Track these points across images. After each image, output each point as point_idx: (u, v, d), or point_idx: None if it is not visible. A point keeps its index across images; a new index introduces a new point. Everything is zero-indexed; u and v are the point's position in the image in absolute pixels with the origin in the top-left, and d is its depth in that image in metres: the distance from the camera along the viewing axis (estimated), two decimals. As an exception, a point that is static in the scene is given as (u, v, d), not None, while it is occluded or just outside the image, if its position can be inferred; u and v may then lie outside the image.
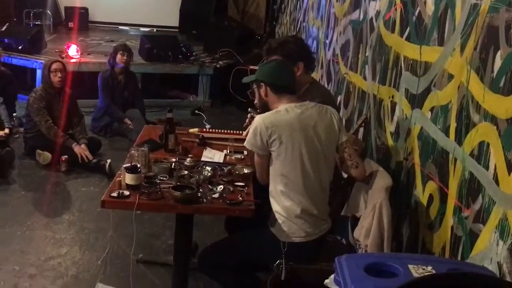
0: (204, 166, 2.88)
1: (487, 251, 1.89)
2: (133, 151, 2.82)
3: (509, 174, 1.79)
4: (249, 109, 2.96)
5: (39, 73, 6.30)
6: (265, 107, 2.61)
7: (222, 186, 2.67)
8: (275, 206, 2.56)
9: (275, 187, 2.54)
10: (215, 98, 7.50)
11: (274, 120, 2.48)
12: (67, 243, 3.64)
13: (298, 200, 2.50)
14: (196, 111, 7.03)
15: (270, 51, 2.92)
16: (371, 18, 3.68)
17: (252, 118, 2.75)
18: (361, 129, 3.61)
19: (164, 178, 2.71)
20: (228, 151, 3.18)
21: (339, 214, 2.89)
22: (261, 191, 2.65)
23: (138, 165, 2.67)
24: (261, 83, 2.60)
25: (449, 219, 2.23)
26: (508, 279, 1.74)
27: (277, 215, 2.55)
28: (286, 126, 2.47)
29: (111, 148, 5.54)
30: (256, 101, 2.71)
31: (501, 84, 1.87)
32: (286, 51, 2.88)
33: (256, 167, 2.63)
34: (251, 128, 2.53)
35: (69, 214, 4.08)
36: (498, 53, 1.92)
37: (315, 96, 2.83)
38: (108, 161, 4.80)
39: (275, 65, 2.66)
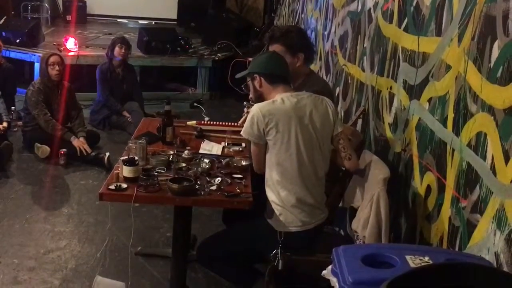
0: (202, 159, 2.88)
1: (485, 242, 1.89)
2: (130, 144, 2.82)
3: (506, 165, 1.78)
4: (245, 103, 2.96)
5: (37, 66, 6.29)
6: (260, 100, 2.61)
7: (220, 178, 2.67)
8: (271, 196, 2.57)
9: (271, 177, 2.55)
10: (214, 90, 7.49)
11: (271, 108, 2.48)
12: (66, 236, 3.65)
13: (293, 190, 2.51)
14: (195, 104, 7.03)
15: (273, 39, 2.92)
16: (369, 9, 3.66)
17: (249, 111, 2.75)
18: (360, 121, 3.61)
19: (162, 171, 2.71)
20: (226, 143, 3.18)
21: (337, 205, 2.89)
22: (259, 182, 2.65)
23: (136, 158, 2.67)
24: (255, 75, 2.61)
25: (447, 210, 2.23)
26: (505, 269, 1.74)
27: (273, 205, 2.56)
28: (283, 114, 2.47)
29: (110, 141, 5.54)
30: (251, 95, 2.71)
31: (498, 74, 1.87)
32: (289, 41, 2.88)
33: (252, 156, 2.64)
34: (248, 117, 2.53)
35: (68, 207, 4.09)
36: (496, 43, 1.91)
37: (312, 86, 2.83)
38: (107, 154, 4.81)
39: (267, 56, 2.67)
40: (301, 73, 2.94)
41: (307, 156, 2.51)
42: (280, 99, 2.52)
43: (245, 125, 2.54)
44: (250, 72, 2.64)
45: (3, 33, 6.97)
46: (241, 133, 2.59)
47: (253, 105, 2.63)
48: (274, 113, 2.47)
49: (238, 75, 2.77)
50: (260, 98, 2.62)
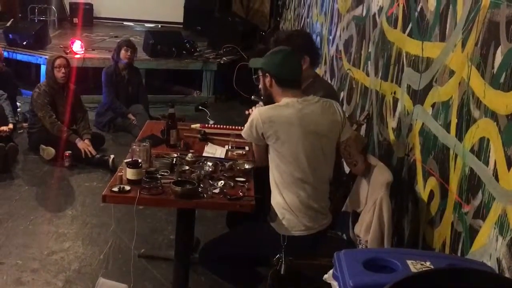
0: (205, 162, 2.88)
1: (487, 247, 1.89)
2: (134, 146, 2.83)
3: (508, 170, 1.78)
4: (253, 97, 2.95)
5: (43, 68, 6.32)
6: (269, 97, 2.61)
7: (223, 182, 2.67)
8: (275, 198, 2.57)
9: (274, 179, 2.55)
10: (219, 94, 7.50)
11: (272, 115, 2.47)
12: (70, 237, 3.66)
13: (297, 193, 2.51)
14: (200, 107, 7.03)
15: (278, 42, 2.91)
16: (374, 14, 3.67)
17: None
18: (364, 125, 3.61)
19: (165, 173, 2.72)
20: (229, 147, 3.18)
21: (340, 209, 2.89)
22: (262, 186, 2.66)
23: (139, 160, 2.68)
24: (267, 73, 2.57)
25: (450, 215, 2.22)
26: (507, 274, 1.74)
27: (276, 208, 2.56)
28: (284, 121, 2.46)
29: (115, 143, 5.55)
30: (260, 86, 2.69)
31: (502, 80, 1.87)
32: (294, 43, 2.87)
33: (254, 152, 2.67)
34: (248, 119, 2.54)
35: (72, 209, 4.10)
36: (499, 49, 1.91)
37: (318, 90, 2.84)
38: (112, 156, 4.82)
39: (283, 56, 2.55)
40: (306, 76, 2.95)
41: (309, 163, 2.49)
42: (285, 103, 2.50)
43: (245, 126, 2.55)
44: (263, 68, 2.60)
45: (10, 35, 7.01)
46: (242, 133, 2.60)
47: (261, 99, 2.62)
48: (274, 120, 2.45)
49: (251, 62, 2.71)
50: (268, 96, 2.62)
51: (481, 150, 1.99)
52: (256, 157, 2.68)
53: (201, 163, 2.87)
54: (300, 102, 2.51)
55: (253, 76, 2.78)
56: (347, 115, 4.12)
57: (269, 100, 2.60)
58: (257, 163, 2.69)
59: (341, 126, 2.56)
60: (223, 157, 3.05)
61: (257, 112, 2.49)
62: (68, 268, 3.28)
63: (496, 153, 1.87)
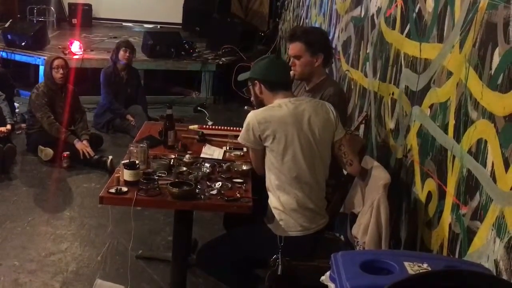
0: (203, 163, 2.88)
1: (484, 249, 1.88)
2: (132, 147, 2.82)
3: (506, 172, 1.78)
4: (245, 107, 2.97)
5: (42, 69, 6.32)
6: (261, 105, 2.62)
7: (220, 183, 2.67)
8: (272, 200, 2.57)
9: (270, 181, 2.56)
10: (218, 94, 7.51)
11: (267, 115, 2.49)
12: (67, 239, 3.65)
13: (293, 194, 2.51)
14: (199, 108, 7.03)
15: (294, 37, 2.92)
16: (372, 15, 3.67)
17: None
18: (362, 126, 3.60)
19: (162, 175, 2.71)
20: (227, 148, 3.18)
21: (338, 210, 2.88)
22: (259, 187, 2.65)
23: (137, 162, 2.67)
24: (255, 81, 2.61)
25: (447, 217, 2.22)
26: (504, 276, 1.73)
27: (273, 210, 2.56)
28: (279, 121, 2.48)
29: (113, 144, 5.55)
30: (252, 99, 2.72)
31: (499, 81, 1.86)
32: (310, 39, 2.88)
33: (251, 160, 2.66)
34: (244, 124, 2.54)
35: (70, 210, 4.09)
36: (496, 50, 1.91)
37: (329, 85, 2.88)
38: (110, 157, 4.82)
39: (267, 62, 2.64)
40: (317, 74, 2.97)
41: (306, 162, 2.50)
42: (278, 104, 2.53)
43: (241, 131, 2.56)
44: (250, 77, 2.65)
45: (9, 36, 7.01)
46: (238, 139, 2.60)
47: (254, 108, 2.63)
48: (270, 120, 2.48)
49: (240, 77, 2.78)
50: (261, 104, 2.63)
51: (478, 152, 1.98)
52: (254, 165, 2.68)
53: (198, 164, 2.87)
54: (292, 102, 2.53)
55: (243, 89, 2.81)
56: (345, 116, 4.14)
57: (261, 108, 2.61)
58: (255, 170, 2.69)
59: (335, 125, 2.57)
60: (221, 158, 3.04)
61: (252, 115, 2.50)
62: (65, 270, 3.27)
63: (493, 154, 1.87)
